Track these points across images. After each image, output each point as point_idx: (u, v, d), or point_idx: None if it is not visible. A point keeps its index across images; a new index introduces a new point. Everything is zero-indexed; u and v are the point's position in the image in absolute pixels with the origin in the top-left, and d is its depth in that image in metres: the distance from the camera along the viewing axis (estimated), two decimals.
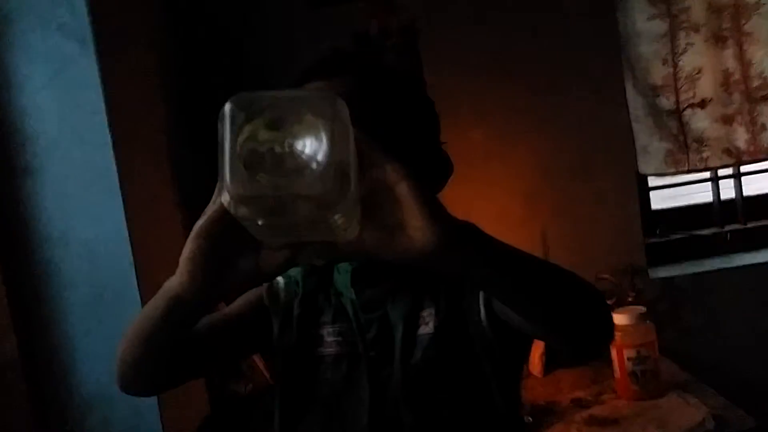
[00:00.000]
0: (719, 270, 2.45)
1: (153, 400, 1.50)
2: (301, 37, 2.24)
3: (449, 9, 2.31)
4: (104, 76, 1.45)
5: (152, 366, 0.96)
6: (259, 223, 0.71)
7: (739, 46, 2.47)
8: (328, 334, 1.04)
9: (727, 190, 2.65)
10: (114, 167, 1.47)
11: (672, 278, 2.41)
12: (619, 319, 1.93)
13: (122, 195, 1.48)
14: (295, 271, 1.09)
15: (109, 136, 1.46)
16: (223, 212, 0.71)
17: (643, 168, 2.48)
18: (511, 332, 0.93)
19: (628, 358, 1.89)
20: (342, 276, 1.03)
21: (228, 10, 2.21)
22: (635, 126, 2.46)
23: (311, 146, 0.66)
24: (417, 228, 0.68)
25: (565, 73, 2.35)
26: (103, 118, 1.45)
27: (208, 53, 2.17)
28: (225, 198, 0.70)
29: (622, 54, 2.44)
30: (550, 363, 2.20)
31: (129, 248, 1.47)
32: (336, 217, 0.68)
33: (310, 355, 1.04)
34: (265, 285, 1.09)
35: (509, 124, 2.35)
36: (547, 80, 2.35)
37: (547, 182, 2.38)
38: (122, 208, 1.47)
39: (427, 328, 1.00)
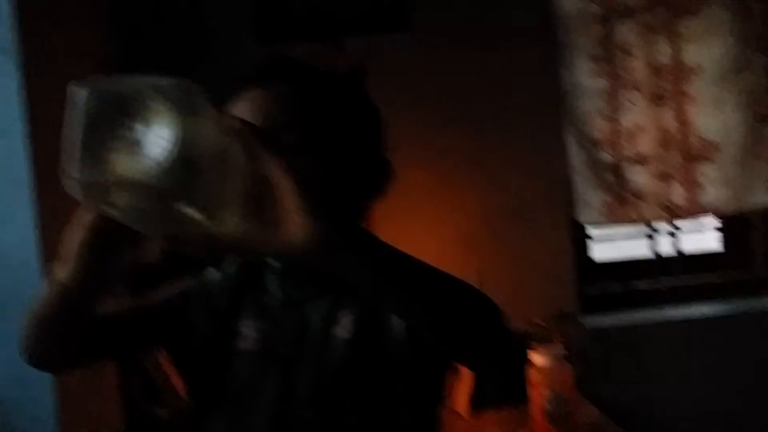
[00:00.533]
0: (652, 323, 2.50)
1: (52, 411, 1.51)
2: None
3: (397, 54, 2.40)
4: (26, 85, 1.50)
5: (52, 344, 0.98)
6: (107, 209, 0.74)
7: (679, 106, 2.56)
8: (247, 329, 1.05)
9: (667, 245, 2.71)
10: (27, 172, 1.51)
11: (605, 328, 2.46)
12: (538, 359, 1.97)
13: (36, 200, 1.52)
14: (231, 268, 1.10)
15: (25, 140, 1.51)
16: None
17: (582, 218, 2.55)
18: (427, 349, 0.92)
19: (545, 399, 1.93)
20: (270, 274, 1.06)
21: (175, 38, 2.30)
22: (575, 177, 2.54)
23: (160, 135, 0.68)
24: (294, 224, 0.72)
25: (507, 121, 2.44)
26: (20, 127, 1.50)
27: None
28: (68, 183, 0.73)
29: (565, 108, 2.53)
30: (478, 404, 2.23)
31: (38, 253, 1.51)
32: (186, 208, 0.69)
33: (226, 348, 1.05)
34: (194, 276, 1.10)
35: (451, 166, 2.43)
36: (491, 127, 2.44)
37: (485, 225, 2.45)
38: (33, 213, 1.51)
39: (343, 333, 1.00)
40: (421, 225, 2.41)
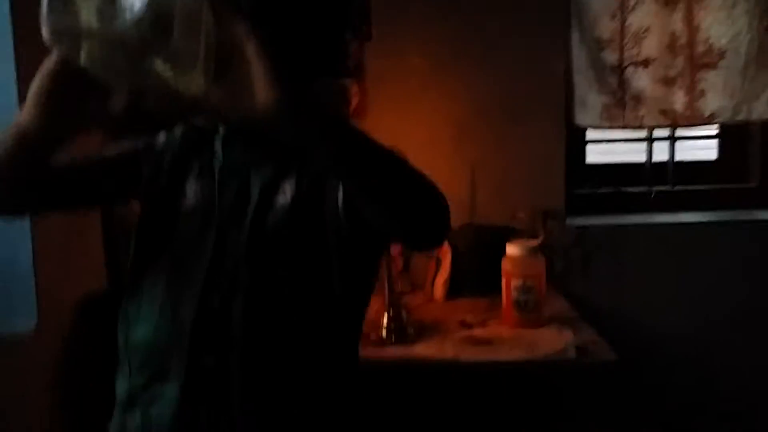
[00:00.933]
0: (635, 225, 2.52)
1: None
2: None
3: None
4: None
5: (8, 186, 1.00)
6: (77, 58, 0.77)
7: (689, 10, 2.51)
8: (190, 188, 1.08)
9: (662, 153, 2.70)
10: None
11: (590, 228, 2.49)
12: (511, 250, 2.02)
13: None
14: (180, 130, 1.13)
15: None
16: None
17: (579, 119, 2.54)
18: (365, 227, 0.95)
19: (515, 287, 1.98)
20: (217, 138, 1.08)
21: None
22: (576, 77, 2.52)
23: None
24: (260, 89, 0.73)
25: (510, 16, 2.39)
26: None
27: None
28: (44, 33, 0.76)
29: (572, 4, 2.48)
30: (453, 291, 2.29)
31: None
32: (157, 63, 0.73)
33: (171, 205, 1.08)
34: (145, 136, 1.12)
35: (449, 56, 2.40)
36: (492, 20, 2.39)
37: (480, 117, 2.44)
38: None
39: (283, 199, 1.04)
40: (416, 113, 2.42)
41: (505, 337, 1.93)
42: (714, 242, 2.50)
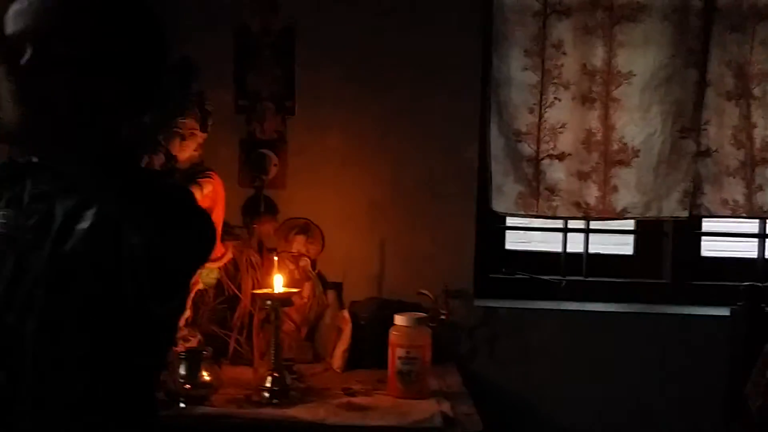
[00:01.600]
0: (544, 309, 2.58)
1: None
2: (183, 25, 2.41)
3: (326, 16, 2.48)
4: None
5: None
6: None
7: (606, 109, 2.63)
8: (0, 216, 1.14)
9: (577, 244, 2.78)
10: None
11: (495, 308, 2.54)
12: (398, 320, 2.07)
13: None
14: None
15: None
16: None
17: (495, 206, 2.63)
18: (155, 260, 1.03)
19: (398, 357, 2.03)
20: (29, 170, 1.14)
21: None
22: (494, 165, 2.62)
23: None
24: (5, 108, 0.83)
25: (427, 97, 2.52)
26: None
27: None
28: None
29: (492, 96, 2.60)
30: (354, 362, 2.32)
31: None
32: None
33: None
34: None
35: (366, 133, 2.51)
36: (411, 105, 2.52)
37: (395, 196, 2.53)
38: None
39: (83, 224, 1.09)
40: (333, 187, 2.51)
41: (382, 405, 1.96)
42: (623, 332, 2.55)
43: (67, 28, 1.04)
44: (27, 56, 1.01)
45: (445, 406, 1.94)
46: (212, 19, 2.47)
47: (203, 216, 1.11)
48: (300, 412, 1.87)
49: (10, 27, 1.04)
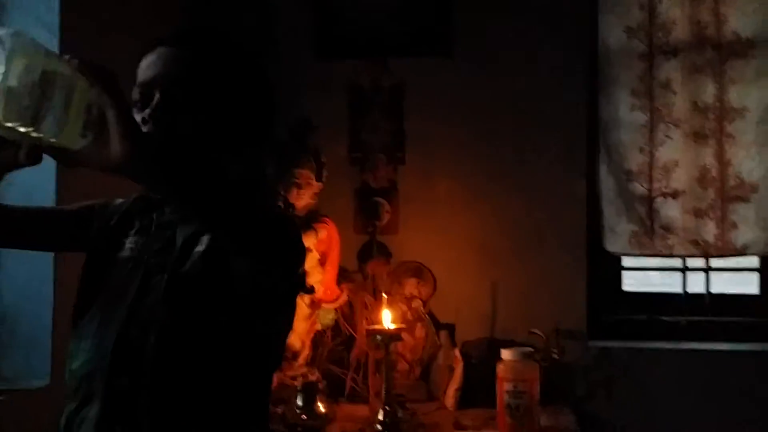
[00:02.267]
0: (658, 349, 2.53)
1: None
2: (306, 84, 2.61)
3: (435, 77, 2.61)
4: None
5: None
6: None
7: (720, 145, 2.60)
8: (129, 242, 1.28)
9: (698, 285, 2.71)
10: None
11: (610, 348, 2.52)
12: (504, 355, 2.11)
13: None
14: (132, 198, 1.33)
15: None
16: None
17: (609, 246, 2.64)
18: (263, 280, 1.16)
19: (506, 391, 2.06)
20: (157, 202, 1.28)
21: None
22: (605, 206, 2.63)
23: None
24: (115, 143, 0.93)
25: (534, 141, 2.58)
26: None
27: None
28: None
29: (600, 138, 2.64)
30: (467, 401, 2.36)
31: None
32: (21, 129, 0.89)
33: (109, 255, 1.27)
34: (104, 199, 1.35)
35: (474, 179, 2.59)
36: (517, 146, 2.59)
37: (504, 238, 2.58)
38: None
39: (199, 248, 1.21)
40: (444, 232, 2.60)
41: None
42: (747, 371, 2.47)
43: (189, 78, 1.19)
44: (155, 100, 1.17)
45: None
46: (328, 81, 2.66)
47: (297, 243, 1.22)
48: None
49: (142, 75, 1.21)
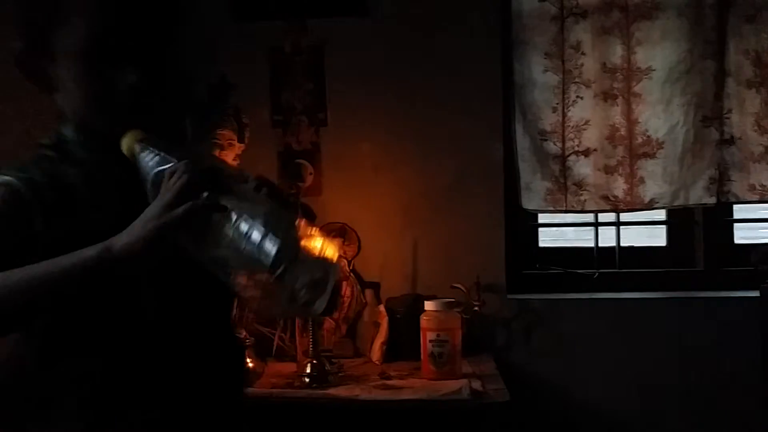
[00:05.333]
0: (575, 299, 2.64)
1: None
2: (226, 46, 2.60)
3: (354, 36, 2.64)
4: None
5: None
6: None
7: (628, 104, 2.71)
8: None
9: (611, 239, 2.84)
10: None
11: (528, 300, 2.62)
12: (428, 306, 2.17)
13: None
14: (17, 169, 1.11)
15: None
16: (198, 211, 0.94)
17: (525, 203, 2.72)
18: None
19: (429, 340, 2.13)
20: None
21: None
22: (521, 164, 2.72)
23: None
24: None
25: (452, 102, 2.64)
26: None
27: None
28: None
29: (515, 98, 2.72)
30: (392, 355, 2.42)
31: None
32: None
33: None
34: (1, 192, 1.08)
35: (395, 139, 2.64)
36: (436, 107, 2.64)
37: (424, 199, 2.64)
38: None
39: None
40: (367, 192, 2.64)
41: (415, 386, 2.06)
42: (657, 318, 2.61)
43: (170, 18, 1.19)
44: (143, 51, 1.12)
45: (476, 384, 2.02)
46: (248, 43, 2.65)
47: None
48: (337, 392, 1.99)
49: (103, 20, 1.11)
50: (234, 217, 0.94)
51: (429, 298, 2.38)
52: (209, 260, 0.97)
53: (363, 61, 2.64)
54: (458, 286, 2.48)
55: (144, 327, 1.10)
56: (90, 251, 0.97)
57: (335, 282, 0.97)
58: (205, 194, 0.96)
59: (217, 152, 2.31)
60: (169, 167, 0.99)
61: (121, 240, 0.97)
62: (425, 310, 2.18)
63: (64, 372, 1.10)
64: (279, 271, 0.91)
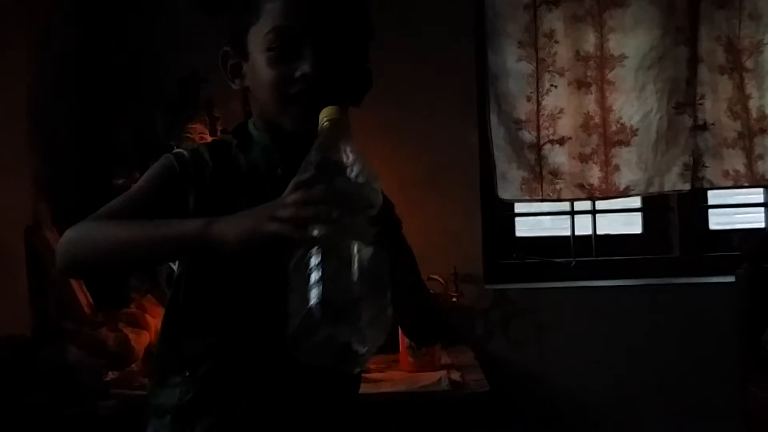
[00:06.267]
0: (554, 288, 2.64)
1: None
2: (197, 39, 2.55)
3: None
4: None
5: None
6: None
7: (602, 92, 2.71)
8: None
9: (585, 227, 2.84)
10: None
11: (506, 290, 2.62)
12: None
13: None
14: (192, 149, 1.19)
15: None
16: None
17: (501, 193, 2.72)
18: None
19: None
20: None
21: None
22: (496, 154, 2.71)
23: None
24: None
25: (427, 93, 2.62)
26: None
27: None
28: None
29: (490, 88, 2.70)
30: None
31: None
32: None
33: None
34: (170, 159, 1.15)
35: (370, 131, 2.59)
36: (412, 98, 2.62)
37: (401, 190, 2.61)
38: None
39: None
40: None
41: (394, 378, 2.04)
42: (634, 305, 2.62)
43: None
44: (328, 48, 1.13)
45: (455, 375, 2.01)
46: (219, 35, 2.61)
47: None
48: None
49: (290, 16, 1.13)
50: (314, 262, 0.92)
51: None
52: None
53: None
54: (436, 277, 2.47)
55: (265, 313, 1.08)
56: (190, 225, 1.02)
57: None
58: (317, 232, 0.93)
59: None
60: (309, 176, 0.96)
61: (219, 225, 1.00)
62: None
63: (184, 348, 1.14)
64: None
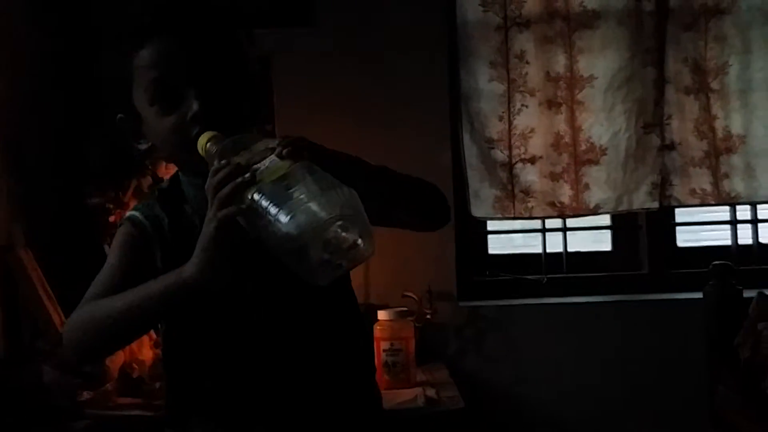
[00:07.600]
0: (528, 305, 2.68)
1: None
2: None
3: (301, 48, 2.64)
4: None
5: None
6: None
7: (571, 112, 2.76)
8: None
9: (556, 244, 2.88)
10: None
11: (479, 307, 2.65)
12: (381, 315, 2.18)
13: None
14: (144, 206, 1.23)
15: None
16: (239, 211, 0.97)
17: (474, 211, 2.75)
18: None
19: (383, 350, 2.14)
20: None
21: None
22: (469, 173, 2.74)
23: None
24: None
25: (400, 113, 2.65)
26: None
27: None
28: None
29: (462, 107, 2.74)
30: None
31: None
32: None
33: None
34: (129, 226, 1.20)
35: (343, 149, 2.63)
36: (384, 117, 2.65)
37: None
38: None
39: None
40: None
41: None
42: (604, 321, 2.66)
43: (236, 57, 1.24)
44: (209, 90, 1.16)
45: (430, 392, 2.03)
46: None
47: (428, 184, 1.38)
48: None
49: (167, 66, 1.15)
50: (264, 204, 0.96)
51: (381, 308, 2.38)
52: (282, 252, 0.97)
53: (310, 72, 2.63)
54: (410, 294, 2.50)
55: (257, 338, 1.15)
56: (169, 278, 1.05)
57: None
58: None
59: (162, 164, 2.28)
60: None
61: (189, 267, 1.02)
62: (378, 320, 2.18)
63: (188, 387, 1.19)
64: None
